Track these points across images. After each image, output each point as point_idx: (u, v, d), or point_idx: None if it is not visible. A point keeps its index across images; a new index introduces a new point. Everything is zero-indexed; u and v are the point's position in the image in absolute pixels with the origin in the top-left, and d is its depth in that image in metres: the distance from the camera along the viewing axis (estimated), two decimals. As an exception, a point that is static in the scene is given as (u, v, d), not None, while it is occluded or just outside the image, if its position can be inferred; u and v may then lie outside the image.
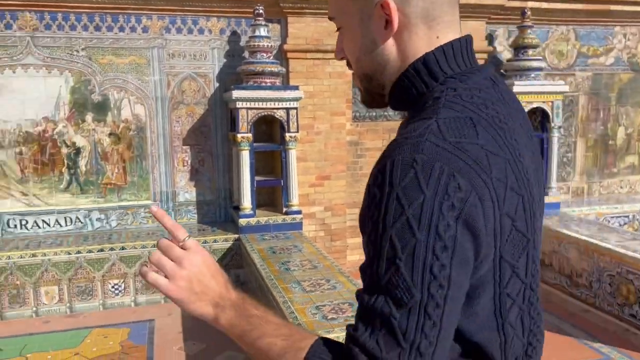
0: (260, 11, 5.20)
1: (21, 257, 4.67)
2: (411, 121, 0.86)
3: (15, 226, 5.20)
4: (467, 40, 0.91)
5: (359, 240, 6.26)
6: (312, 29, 5.67)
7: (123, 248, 4.93)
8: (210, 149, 5.67)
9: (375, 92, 0.98)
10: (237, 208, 5.27)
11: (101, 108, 5.32)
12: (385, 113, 6.21)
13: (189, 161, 5.64)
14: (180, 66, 5.46)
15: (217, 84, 5.57)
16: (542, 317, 0.98)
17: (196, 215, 5.73)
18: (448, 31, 0.90)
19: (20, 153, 5.16)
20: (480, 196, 0.77)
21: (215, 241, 5.15)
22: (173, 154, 5.58)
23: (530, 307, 0.92)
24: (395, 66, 0.92)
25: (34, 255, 4.70)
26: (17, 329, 4.50)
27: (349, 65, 1.00)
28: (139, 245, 4.97)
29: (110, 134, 5.38)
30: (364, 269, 0.80)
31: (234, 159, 5.51)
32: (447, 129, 0.80)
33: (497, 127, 0.84)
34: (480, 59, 5.95)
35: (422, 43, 0.89)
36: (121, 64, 5.31)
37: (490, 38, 6.38)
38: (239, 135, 5.05)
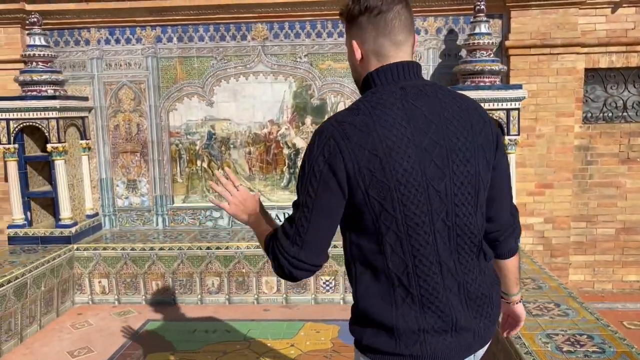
0: (482, 7, 4.88)
1: (247, 248, 5.12)
2: None
3: (242, 219, 5.72)
4: (400, 64, 1.45)
5: (583, 258, 5.56)
6: (537, 22, 5.15)
7: (335, 246, 5.07)
8: (420, 152, 5.53)
9: (360, 88, 1.55)
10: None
11: (319, 111, 5.57)
12: (624, 114, 5.36)
13: (399, 164, 5.57)
14: (395, 68, 5.42)
15: (430, 85, 5.40)
16: (470, 257, 1.46)
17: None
18: (391, 61, 1.46)
19: (249, 153, 5.67)
20: (341, 151, 1.33)
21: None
22: (383, 156, 5.57)
23: (409, 237, 1.36)
24: (363, 77, 1.51)
25: (257, 247, 5.10)
26: (242, 314, 4.94)
27: None
28: (350, 245, 5.05)
29: (326, 136, 5.59)
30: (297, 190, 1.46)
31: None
32: (340, 114, 1.42)
33: (376, 116, 1.36)
34: None
35: (374, 67, 1.47)
36: (338, 68, 5.48)
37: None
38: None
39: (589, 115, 5.42)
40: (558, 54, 5.16)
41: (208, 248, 5.13)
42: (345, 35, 1.57)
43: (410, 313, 1.39)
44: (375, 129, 1.33)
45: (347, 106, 1.48)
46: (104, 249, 5.20)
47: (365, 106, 1.39)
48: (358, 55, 1.49)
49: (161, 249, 5.16)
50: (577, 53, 5.17)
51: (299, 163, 5.74)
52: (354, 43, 1.49)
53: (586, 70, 5.29)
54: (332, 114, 1.63)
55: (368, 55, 1.47)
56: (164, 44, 5.54)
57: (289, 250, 1.43)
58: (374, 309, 1.43)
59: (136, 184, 5.76)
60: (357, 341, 1.52)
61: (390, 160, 1.32)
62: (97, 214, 5.76)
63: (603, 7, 5.17)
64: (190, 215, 5.77)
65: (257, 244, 5.11)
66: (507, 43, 5.18)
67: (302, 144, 5.63)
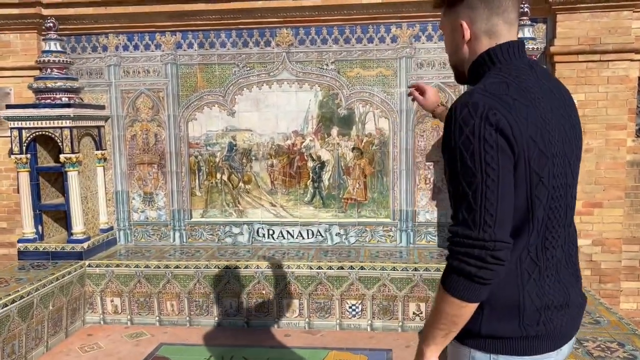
0: (526, 9, 4.49)
1: (268, 268, 4.77)
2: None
3: (264, 235, 5.40)
4: (517, 42, 1.49)
5: (636, 285, 5.04)
6: (587, 27, 4.72)
7: (362, 268, 4.69)
8: (455, 166, 5.13)
9: (460, 73, 1.60)
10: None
11: (346, 122, 5.22)
12: (683, 127, 4.88)
13: (432, 179, 5.18)
14: (429, 76, 5.05)
15: (467, 95, 5.00)
16: (571, 229, 1.52)
17: (436, 238, 5.24)
18: (504, 39, 1.48)
19: (272, 165, 5.34)
20: (508, 120, 1.30)
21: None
22: (415, 171, 5.19)
23: (551, 210, 1.39)
24: (470, 59, 1.53)
25: (279, 267, 4.75)
26: (261, 339, 4.58)
27: None
28: (379, 266, 4.67)
29: (353, 149, 5.25)
30: (447, 172, 1.38)
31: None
32: (489, 86, 1.37)
33: (523, 89, 1.37)
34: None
35: (485, 46, 1.49)
36: (368, 76, 5.13)
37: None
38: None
39: (643, 128, 4.95)
40: (609, 60, 4.72)
41: (226, 267, 4.80)
42: (443, 18, 1.59)
43: (535, 289, 1.39)
44: (532, 101, 1.36)
45: (467, 91, 1.43)
46: (117, 265, 4.91)
47: (512, 80, 1.39)
48: (467, 35, 1.49)
49: (177, 267, 4.85)
50: (631, 60, 4.73)
51: (324, 177, 5.43)
52: (463, 23, 1.49)
53: (639, 79, 4.84)
54: (465, 93, 1.42)
55: (479, 35, 1.49)
56: (184, 50, 5.28)
57: (483, 237, 1.29)
58: (498, 289, 1.37)
59: (153, 197, 5.48)
60: (470, 332, 1.42)
61: (546, 133, 1.35)
62: (111, 228, 5.49)
63: (659, 10, 4.73)
64: (208, 231, 5.45)
65: (278, 263, 4.76)
66: (553, 49, 4.76)
67: (327, 156, 5.28)
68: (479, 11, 1.46)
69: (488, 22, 1.46)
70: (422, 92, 2.29)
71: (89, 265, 4.91)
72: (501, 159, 1.28)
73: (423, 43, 5.04)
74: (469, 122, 1.30)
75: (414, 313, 4.68)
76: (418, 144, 5.16)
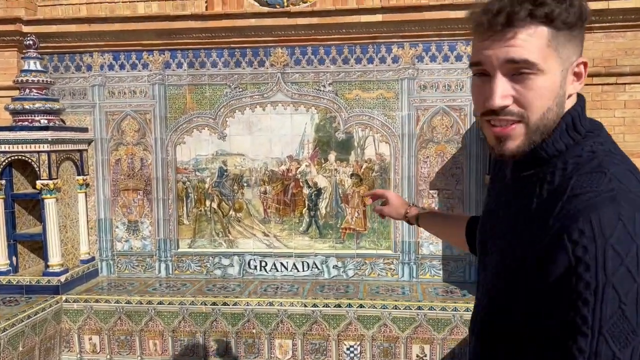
0: (537, 28, 4.19)
1: (258, 305, 4.40)
2: (572, 175, 0.93)
3: (255, 267, 5.04)
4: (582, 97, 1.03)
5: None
6: (602, 48, 4.43)
7: (361, 306, 4.32)
8: (461, 195, 4.80)
9: (533, 143, 1.00)
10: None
11: (344, 147, 4.89)
12: None
13: (436, 208, 4.84)
14: (432, 99, 4.74)
15: (473, 119, 4.69)
16: None
17: (441, 272, 4.87)
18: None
19: (265, 192, 5.00)
20: None
21: (467, 310, 4.20)
22: (418, 199, 4.85)
23: None
24: (554, 120, 0.99)
25: (270, 304, 4.38)
26: (251, 384, 4.20)
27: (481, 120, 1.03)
28: (379, 304, 4.30)
29: (352, 175, 4.91)
30: (581, 319, 0.84)
31: (492, 208, 4.56)
32: (626, 180, 0.89)
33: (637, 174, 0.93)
34: None
35: (564, 101, 0.99)
36: (368, 98, 4.82)
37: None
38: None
39: (663, 155, 4.61)
40: (626, 83, 4.42)
41: (214, 304, 4.43)
42: (546, 49, 0.95)
43: None
44: None
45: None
46: (97, 301, 4.54)
47: (630, 164, 0.96)
48: (583, 80, 1.01)
49: (160, 302, 4.48)
50: (649, 83, 4.42)
51: (321, 205, 5.08)
52: (586, 63, 1.01)
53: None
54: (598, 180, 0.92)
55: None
56: (173, 70, 4.97)
57: None
58: None
59: (138, 226, 5.12)
60: None
61: None
62: (93, 259, 5.13)
63: (679, 30, 4.43)
64: (196, 262, 5.09)
65: (271, 300, 4.39)
66: (565, 71, 4.45)
67: (324, 183, 4.94)
68: (580, 47, 1.00)
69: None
70: (377, 197, 1.88)
71: (66, 300, 4.54)
72: None
73: (426, 64, 4.73)
74: (629, 247, 0.84)
75: (417, 356, 4.30)
76: (421, 170, 4.83)
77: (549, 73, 0.95)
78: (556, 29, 0.94)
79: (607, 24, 4.37)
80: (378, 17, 4.54)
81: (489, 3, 0.96)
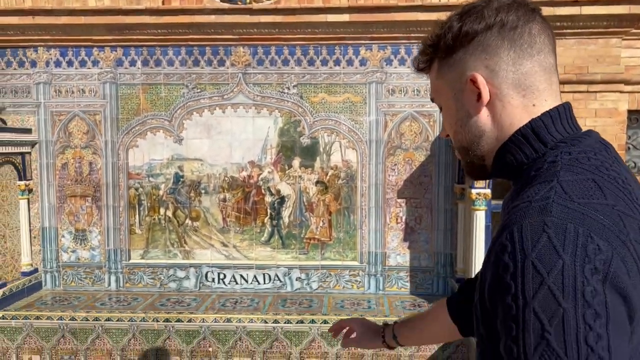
0: (509, 33, 4.05)
1: (215, 322, 4.10)
2: (526, 187, 0.85)
3: (213, 280, 4.74)
4: (566, 107, 0.91)
5: None
6: (573, 54, 4.32)
7: (325, 322, 4.08)
8: (429, 204, 4.62)
9: (476, 164, 0.99)
10: (461, 280, 4.10)
11: (309, 152, 4.65)
12: (675, 165, 4.50)
13: (404, 218, 4.65)
14: (401, 104, 4.55)
15: (443, 125, 4.52)
16: None
17: (408, 284, 4.68)
18: (545, 98, 0.91)
19: (224, 200, 4.71)
20: (622, 257, 0.72)
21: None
22: (385, 208, 4.65)
23: None
24: (492, 136, 0.94)
25: (228, 320, 4.10)
26: (206, 407, 3.90)
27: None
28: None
29: (317, 182, 4.67)
30: (507, 349, 0.73)
31: (462, 217, 4.40)
32: (572, 190, 0.78)
33: (621, 188, 0.81)
34: None
35: (518, 111, 0.91)
36: (334, 102, 4.59)
37: None
38: (473, 192, 3.93)
39: (632, 165, 4.56)
40: (597, 92, 4.33)
41: (167, 320, 4.11)
42: (436, 81, 1.01)
43: None
44: (635, 209, 0.81)
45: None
46: (37, 317, 4.16)
47: (597, 174, 0.82)
48: (486, 93, 0.92)
49: (108, 319, 4.13)
50: (620, 91, 4.34)
51: (284, 213, 4.83)
52: (477, 77, 0.92)
53: (629, 112, 4.46)
54: (544, 187, 0.81)
55: (505, 91, 0.92)
56: (126, 68, 4.63)
57: None
58: None
59: (86, 235, 4.76)
60: None
61: None
62: (36, 270, 4.73)
63: (649, 39, 4.37)
64: (149, 274, 4.75)
65: (229, 316, 4.11)
66: (536, 77, 4.33)
67: (287, 190, 4.68)
68: (501, 54, 0.90)
69: (517, 70, 0.90)
70: (341, 329, 1.61)
71: (3, 317, 4.15)
72: (615, 340, 0.69)
73: (395, 67, 4.54)
74: (552, 264, 0.71)
75: (383, 374, 4.08)
76: (389, 178, 4.63)
77: (445, 102, 1.00)
78: (440, 59, 0.97)
79: (579, 30, 4.26)
80: (345, 17, 4.32)
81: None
